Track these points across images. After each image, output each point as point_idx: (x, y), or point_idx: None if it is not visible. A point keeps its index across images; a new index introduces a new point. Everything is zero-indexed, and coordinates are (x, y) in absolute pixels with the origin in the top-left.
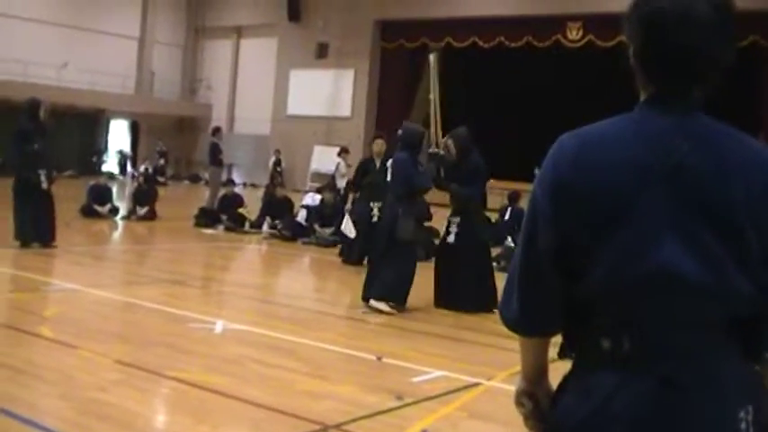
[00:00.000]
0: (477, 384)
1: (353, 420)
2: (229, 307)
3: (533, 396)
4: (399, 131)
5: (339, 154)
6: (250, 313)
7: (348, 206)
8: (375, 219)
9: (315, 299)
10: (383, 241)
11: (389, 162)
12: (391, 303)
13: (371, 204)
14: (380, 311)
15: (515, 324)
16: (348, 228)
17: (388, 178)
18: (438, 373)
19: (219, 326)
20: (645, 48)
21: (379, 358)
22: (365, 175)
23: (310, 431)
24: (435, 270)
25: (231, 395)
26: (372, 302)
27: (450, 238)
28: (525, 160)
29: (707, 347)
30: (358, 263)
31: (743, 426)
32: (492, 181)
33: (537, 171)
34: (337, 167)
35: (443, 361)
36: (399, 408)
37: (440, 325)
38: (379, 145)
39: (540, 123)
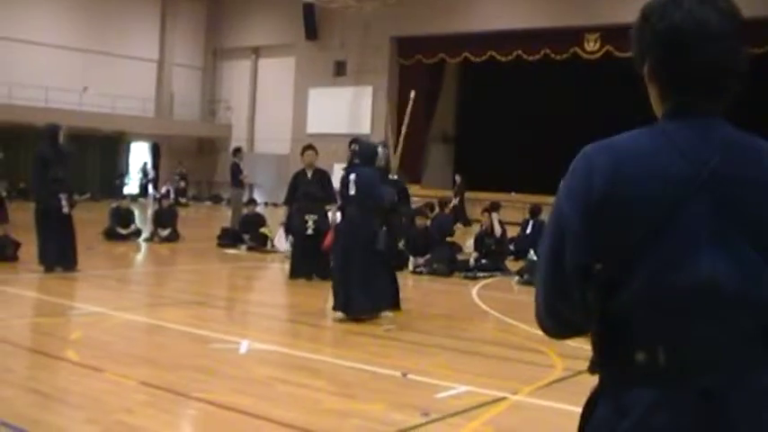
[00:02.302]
0: (502, 399)
1: None
2: (254, 327)
3: None
4: (355, 147)
5: None
6: (274, 333)
7: (283, 219)
8: (310, 231)
9: (338, 317)
10: (362, 253)
11: (352, 176)
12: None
13: (306, 217)
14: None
15: (551, 333)
16: (281, 242)
17: (352, 191)
18: (463, 388)
19: (244, 346)
20: (665, 63)
21: (404, 375)
22: (297, 187)
23: None
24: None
25: (258, 415)
26: (386, 314)
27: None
28: (545, 173)
29: (745, 359)
30: (306, 277)
31: None
32: (512, 194)
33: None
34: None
35: (467, 376)
36: (426, 424)
37: (461, 340)
38: (311, 156)
39: (560, 136)
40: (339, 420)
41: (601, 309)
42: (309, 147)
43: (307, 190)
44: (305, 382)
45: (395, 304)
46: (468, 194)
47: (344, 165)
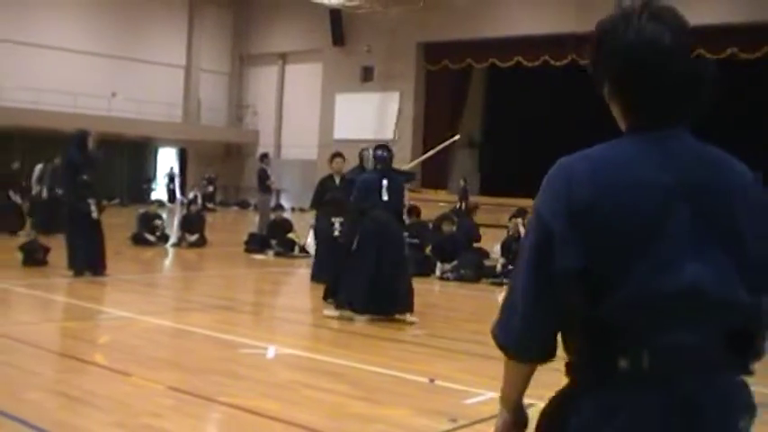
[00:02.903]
0: (529, 405)
1: None
2: (280, 332)
3: (518, 426)
4: (383, 153)
5: None
6: (301, 338)
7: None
8: (337, 233)
9: (365, 322)
10: (394, 256)
11: (384, 181)
12: None
13: (333, 220)
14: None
15: (518, 349)
16: (310, 244)
17: (385, 196)
18: (491, 394)
19: (271, 351)
20: (625, 80)
21: (431, 380)
22: (324, 192)
23: None
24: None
25: (283, 420)
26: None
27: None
28: None
29: (718, 361)
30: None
31: None
32: None
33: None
34: None
35: (495, 382)
36: (452, 430)
37: (489, 346)
38: (339, 163)
39: (587, 141)
40: (363, 425)
41: (585, 314)
42: (338, 154)
43: (334, 195)
44: (330, 387)
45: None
46: (494, 200)
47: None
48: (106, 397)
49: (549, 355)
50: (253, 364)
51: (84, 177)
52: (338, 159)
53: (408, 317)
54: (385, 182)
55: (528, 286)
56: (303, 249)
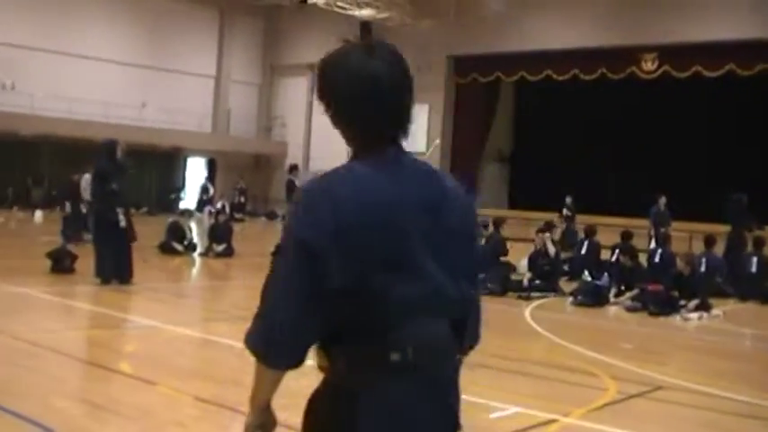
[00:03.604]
0: (553, 421)
1: None
2: None
3: (265, 426)
4: None
5: None
6: None
7: None
8: None
9: None
10: None
11: None
12: None
13: None
14: None
15: (277, 357)
16: None
17: None
18: (514, 409)
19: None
20: (352, 107)
21: None
22: None
23: None
24: None
25: None
26: None
27: None
28: (601, 193)
29: (452, 348)
30: None
31: (454, 406)
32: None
33: (568, 199)
34: None
35: (518, 397)
36: None
37: (512, 360)
38: None
39: (615, 156)
40: None
41: (354, 321)
42: None
43: None
44: None
45: None
46: (523, 214)
47: None
48: (131, 405)
49: (301, 363)
50: None
51: (113, 186)
52: None
53: None
54: None
55: (292, 301)
56: None
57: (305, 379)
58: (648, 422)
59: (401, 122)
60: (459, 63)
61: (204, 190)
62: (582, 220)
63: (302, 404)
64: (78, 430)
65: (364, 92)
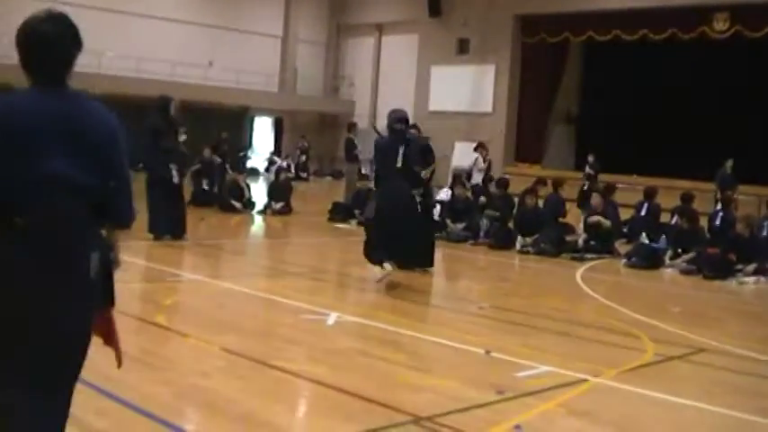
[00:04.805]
0: (583, 381)
1: (447, 414)
2: (347, 300)
3: None
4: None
5: (476, 149)
6: (366, 306)
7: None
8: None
9: (437, 293)
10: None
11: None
12: None
13: None
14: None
15: None
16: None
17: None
18: (545, 368)
19: (332, 318)
20: (29, 57)
21: (487, 352)
22: None
23: (402, 422)
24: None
25: (331, 385)
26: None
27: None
28: (667, 155)
29: (80, 223)
30: None
31: (93, 264)
32: (634, 176)
33: (591, 158)
34: (475, 162)
35: (553, 357)
36: (497, 402)
37: (555, 320)
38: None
39: (684, 118)
40: (410, 394)
41: None
42: (412, 126)
43: None
44: (385, 355)
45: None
46: None
47: (465, 143)
48: (159, 356)
49: None
50: (312, 329)
51: (166, 143)
52: (412, 131)
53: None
54: (401, 149)
55: None
56: None
57: (351, 339)
58: (679, 384)
59: (55, 67)
60: (526, 23)
61: (270, 162)
62: (642, 182)
63: (341, 363)
64: (101, 377)
65: (30, 45)
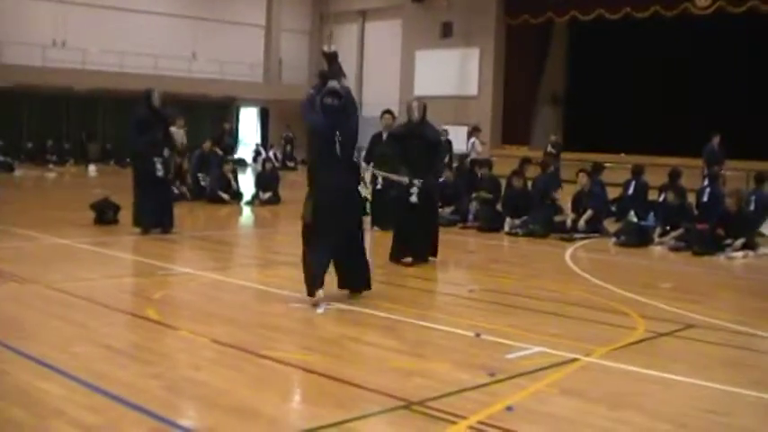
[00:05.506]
0: (574, 360)
1: (439, 397)
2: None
3: None
4: (415, 103)
5: (471, 133)
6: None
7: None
8: (379, 187)
9: (424, 278)
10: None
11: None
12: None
13: (376, 173)
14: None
15: None
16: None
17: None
18: (536, 348)
19: (322, 306)
20: None
21: (478, 335)
22: (374, 148)
23: (394, 407)
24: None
25: (322, 373)
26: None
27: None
28: (654, 133)
29: None
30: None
31: None
32: (622, 155)
33: (553, 137)
34: (473, 146)
35: (543, 337)
36: (489, 384)
37: (544, 300)
38: (388, 119)
39: (669, 95)
40: (401, 379)
41: None
42: (387, 111)
43: (383, 151)
44: (376, 341)
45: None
46: (576, 155)
47: (452, 126)
48: (150, 350)
49: None
50: (303, 318)
51: (151, 135)
52: (387, 116)
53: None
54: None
55: None
56: None
57: (342, 326)
58: (670, 360)
59: None
60: (509, 4)
61: (257, 153)
62: (629, 161)
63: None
64: (92, 374)
65: None
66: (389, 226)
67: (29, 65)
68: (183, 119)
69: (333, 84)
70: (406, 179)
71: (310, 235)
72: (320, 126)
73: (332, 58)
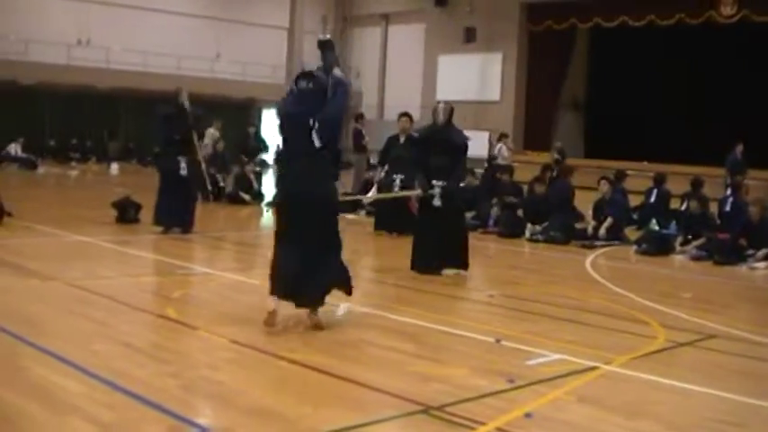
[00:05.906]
0: (593, 368)
1: (458, 403)
2: (357, 290)
3: None
4: (441, 105)
5: (499, 139)
6: (376, 297)
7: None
8: (397, 189)
9: (443, 283)
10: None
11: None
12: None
13: (394, 176)
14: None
15: None
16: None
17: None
18: (556, 356)
19: (342, 309)
20: None
21: (497, 341)
22: (390, 151)
23: (412, 412)
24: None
25: (340, 376)
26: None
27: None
28: (677, 141)
29: None
30: (388, 231)
31: None
32: (644, 163)
33: (558, 144)
34: (499, 151)
35: (563, 344)
36: (507, 391)
37: (565, 308)
38: (405, 122)
39: (693, 103)
40: (419, 383)
41: None
42: (405, 114)
43: (399, 153)
44: (395, 346)
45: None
46: (597, 162)
47: (474, 131)
48: (168, 349)
49: None
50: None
51: (175, 134)
52: (404, 119)
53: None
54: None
55: None
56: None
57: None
58: (690, 370)
59: None
60: (532, 10)
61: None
62: (656, 168)
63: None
64: (111, 371)
65: None
66: (395, 229)
67: (53, 63)
68: (212, 124)
69: (308, 66)
70: (418, 191)
71: (280, 235)
72: (289, 112)
73: (325, 45)
